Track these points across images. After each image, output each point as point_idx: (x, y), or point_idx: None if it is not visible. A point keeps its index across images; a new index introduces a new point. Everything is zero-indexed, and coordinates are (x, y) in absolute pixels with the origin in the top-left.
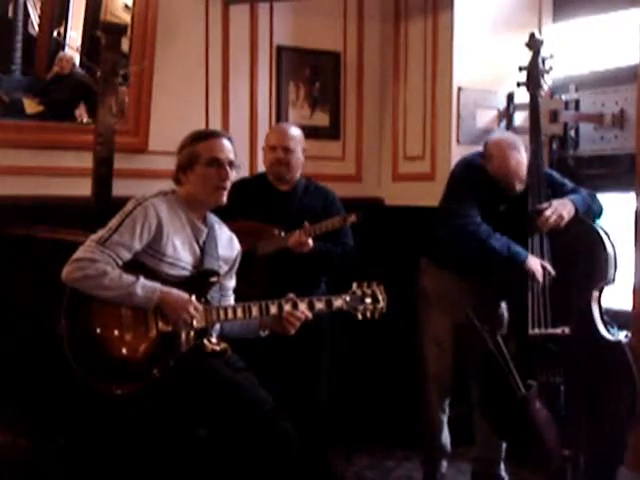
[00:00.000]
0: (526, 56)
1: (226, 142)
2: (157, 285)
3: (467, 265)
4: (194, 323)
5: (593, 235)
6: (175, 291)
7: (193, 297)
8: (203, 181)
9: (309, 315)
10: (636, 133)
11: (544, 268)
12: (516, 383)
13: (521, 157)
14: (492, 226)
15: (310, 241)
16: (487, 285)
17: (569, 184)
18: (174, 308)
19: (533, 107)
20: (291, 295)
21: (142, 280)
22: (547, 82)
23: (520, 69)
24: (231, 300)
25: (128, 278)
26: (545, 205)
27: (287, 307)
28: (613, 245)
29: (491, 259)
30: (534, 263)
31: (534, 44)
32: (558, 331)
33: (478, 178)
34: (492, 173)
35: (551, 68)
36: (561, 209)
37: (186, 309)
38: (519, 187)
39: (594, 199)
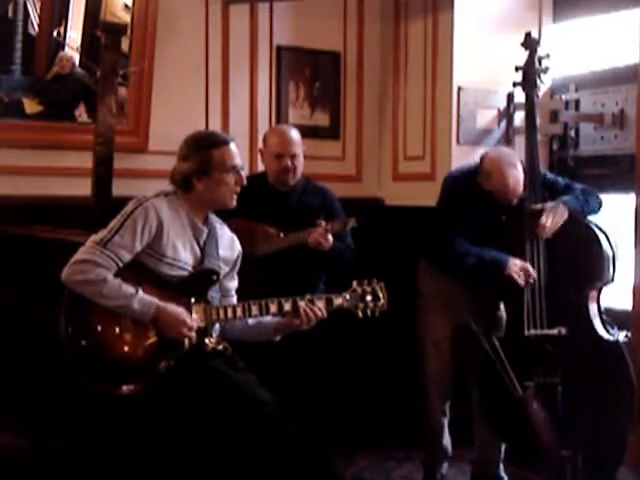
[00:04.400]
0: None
1: (235, 146)
2: (154, 301)
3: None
4: (185, 344)
5: (589, 235)
6: (171, 308)
7: (188, 319)
8: (220, 186)
9: (325, 313)
10: (636, 133)
11: (528, 270)
12: (513, 384)
13: (519, 174)
14: (495, 237)
15: (331, 238)
16: (485, 287)
17: (561, 181)
18: (168, 327)
19: (529, 107)
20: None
21: (140, 294)
22: (544, 82)
23: (516, 69)
24: (234, 301)
25: (127, 290)
26: (540, 206)
27: (287, 306)
28: (611, 244)
29: (473, 274)
30: (514, 268)
31: (530, 44)
32: (554, 332)
33: (471, 194)
34: (489, 189)
35: (548, 68)
36: (554, 213)
37: (179, 331)
38: (515, 201)
39: (589, 195)
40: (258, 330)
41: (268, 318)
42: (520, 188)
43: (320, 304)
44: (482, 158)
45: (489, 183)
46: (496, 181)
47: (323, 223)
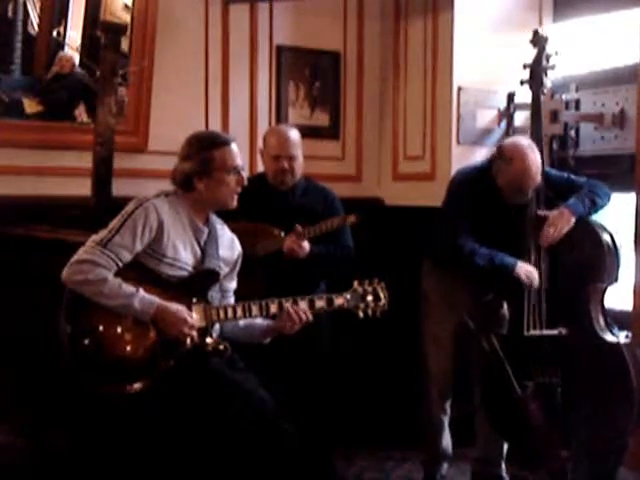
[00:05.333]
0: (527, 56)
1: (236, 147)
2: (155, 300)
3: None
4: (187, 342)
5: (592, 235)
6: (172, 308)
7: (188, 317)
8: (220, 187)
9: (309, 316)
10: (636, 133)
11: (534, 275)
12: (512, 384)
13: (539, 160)
14: (500, 236)
15: (306, 245)
16: (489, 287)
17: (565, 176)
18: (168, 326)
19: (535, 106)
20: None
21: (141, 293)
22: (550, 80)
23: (524, 66)
24: (231, 302)
25: (127, 289)
26: (544, 213)
27: (288, 306)
28: (615, 245)
29: (480, 274)
30: (523, 272)
31: (538, 41)
32: (555, 332)
33: (477, 193)
34: (508, 176)
35: (554, 65)
36: (559, 221)
37: (180, 329)
38: (530, 195)
39: (595, 192)
40: (250, 332)
41: (258, 321)
42: (539, 177)
43: (303, 305)
44: (500, 147)
45: (509, 169)
46: (518, 166)
47: (298, 227)
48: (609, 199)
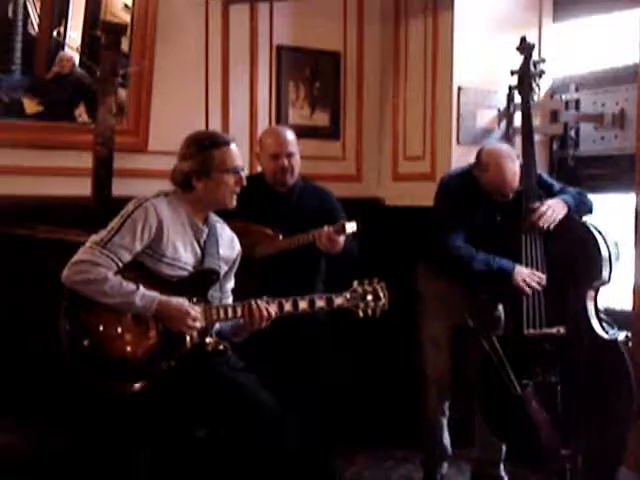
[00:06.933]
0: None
1: (236, 147)
2: (156, 295)
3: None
4: (194, 335)
5: (586, 235)
6: (174, 302)
7: (191, 309)
8: (219, 187)
9: (272, 313)
10: (636, 133)
11: (534, 276)
12: (512, 383)
13: (515, 167)
14: (490, 238)
15: (342, 238)
16: (483, 287)
17: (557, 185)
18: (171, 320)
19: (525, 110)
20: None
21: (142, 290)
22: (540, 85)
23: (512, 73)
24: (229, 301)
25: (128, 286)
26: (538, 204)
27: (287, 306)
28: (608, 245)
29: (479, 279)
30: (521, 278)
31: (525, 48)
32: (553, 331)
33: (466, 194)
34: (486, 182)
35: (543, 72)
36: (554, 206)
37: (184, 322)
38: (511, 195)
39: (583, 197)
40: (221, 329)
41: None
42: (517, 181)
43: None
44: (479, 152)
45: (486, 176)
46: (493, 174)
47: (326, 228)
48: (591, 212)
